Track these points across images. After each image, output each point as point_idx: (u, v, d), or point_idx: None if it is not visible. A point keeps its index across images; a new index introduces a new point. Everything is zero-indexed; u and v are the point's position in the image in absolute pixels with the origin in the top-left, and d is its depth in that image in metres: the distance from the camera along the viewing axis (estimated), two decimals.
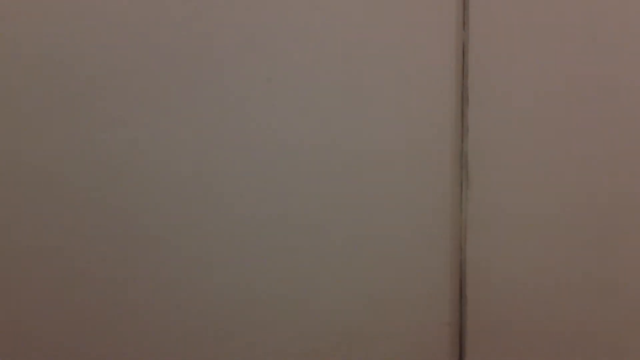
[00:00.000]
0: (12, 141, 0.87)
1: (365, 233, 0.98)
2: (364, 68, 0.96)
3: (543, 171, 0.97)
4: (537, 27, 0.96)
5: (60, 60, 0.87)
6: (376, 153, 0.97)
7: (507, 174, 0.98)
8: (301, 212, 0.96)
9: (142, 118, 0.90)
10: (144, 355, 0.93)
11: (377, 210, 0.98)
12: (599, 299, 0.95)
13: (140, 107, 0.90)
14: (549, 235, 0.97)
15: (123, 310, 0.92)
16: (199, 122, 0.92)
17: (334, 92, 0.95)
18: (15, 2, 0.85)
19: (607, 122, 0.94)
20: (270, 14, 0.93)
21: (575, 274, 0.96)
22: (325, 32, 0.94)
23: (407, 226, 0.99)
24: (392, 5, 0.96)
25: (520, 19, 0.96)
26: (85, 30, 0.87)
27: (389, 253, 0.99)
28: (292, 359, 0.97)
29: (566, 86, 0.96)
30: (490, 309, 0.99)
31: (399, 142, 0.98)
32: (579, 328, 0.96)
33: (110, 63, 0.88)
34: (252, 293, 0.95)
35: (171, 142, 0.91)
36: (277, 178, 0.95)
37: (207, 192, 0.93)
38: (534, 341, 0.98)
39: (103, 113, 0.89)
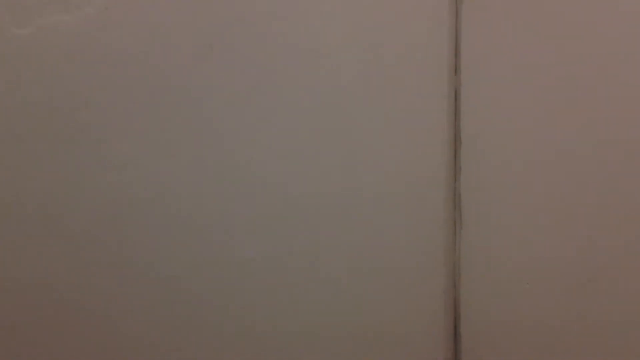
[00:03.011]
0: (12, 185, 0.92)
1: (359, 272, 1.00)
2: (356, 111, 0.99)
3: (537, 212, 0.98)
4: (528, 71, 0.98)
5: (61, 105, 0.92)
6: (369, 194, 0.99)
7: (501, 214, 0.99)
8: (292, 254, 0.98)
9: (142, 160, 0.94)
10: None
11: (370, 250, 1.00)
12: (594, 340, 0.95)
13: (141, 149, 0.94)
14: (543, 275, 0.97)
15: (122, 349, 0.95)
16: (199, 165, 0.95)
17: (325, 136, 0.98)
18: (17, 46, 0.90)
19: (606, 167, 0.94)
20: (272, 68, 0.96)
21: (571, 315, 0.96)
22: (316, 77, 0.97)
23: (401, 266, 1.00)
24: (385, 50, 0.99)
25: (511, 62, 0.99)
26: (88, 75, 0.92)
27: (382, 292, 1.00)
28: None
29: (559, 128, 0.97)
30: (484, 348, 0.99)
31: (391, 183, 1.00)
32: None
33: (109, 108, 0.93)
34: (247, 332, 0.98)
35: (172, 184, 0.95)
36: (273, 220, 0.98)
37: (205, 234, 0.96)
38: None
39: (102, 156, 0.93)
